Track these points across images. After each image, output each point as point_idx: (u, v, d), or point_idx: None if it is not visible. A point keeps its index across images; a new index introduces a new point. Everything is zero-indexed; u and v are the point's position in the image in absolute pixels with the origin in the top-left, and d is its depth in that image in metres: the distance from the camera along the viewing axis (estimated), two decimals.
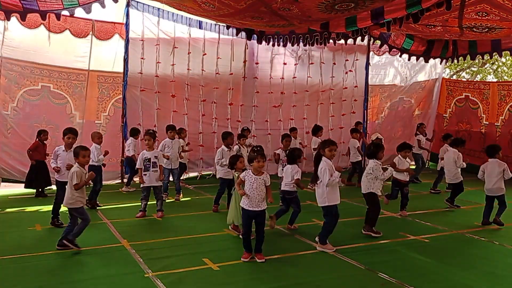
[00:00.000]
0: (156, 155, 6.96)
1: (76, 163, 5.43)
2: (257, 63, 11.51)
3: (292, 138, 8.98)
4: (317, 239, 5.60)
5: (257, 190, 4.94)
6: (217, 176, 7.52)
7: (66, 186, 5.48)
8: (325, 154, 5.44)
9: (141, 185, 7.07)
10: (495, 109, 12.20)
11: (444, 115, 13.69)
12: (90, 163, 7.46)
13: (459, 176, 7.85)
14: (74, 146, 6.35)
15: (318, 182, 5.43)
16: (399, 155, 7.29)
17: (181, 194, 8.53)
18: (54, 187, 8.60)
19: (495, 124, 12.14)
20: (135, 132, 9.15)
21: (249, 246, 5.07)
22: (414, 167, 11.24)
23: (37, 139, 8.34)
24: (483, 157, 11.79)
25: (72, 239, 5.30)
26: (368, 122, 13.03)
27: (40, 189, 8.47)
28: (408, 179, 7.31)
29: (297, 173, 6.24)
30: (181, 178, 9.33)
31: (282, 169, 7.70)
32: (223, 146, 7.55)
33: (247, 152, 7.37)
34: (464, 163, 7.89)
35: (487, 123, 12.39)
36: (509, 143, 11.70)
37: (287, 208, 6.42)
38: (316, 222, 6.73)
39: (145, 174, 6.93)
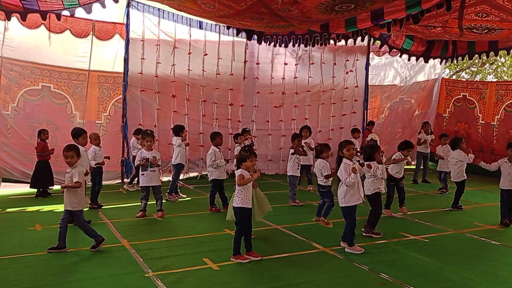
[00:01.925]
0: (154, 155, 6.97)
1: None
2: (258, 64, 11.52)
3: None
4: (342, 243, 5.59)
5: (251, 188, 5.06)
6: (210, 178, 7.41)
7: None
8: (344, 155, 5.51)
9: (140, 185, 7.08)
10: (491, 108, 12.21)
11: (443, 115, 13.71)
12: (93, 164, 7.47)
13: (462, 175, 7.81)
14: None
15: (340, 183, 5.54)
16: (401, 153, 7.36)
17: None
18: (54, 187, 8.67)
19: (491, 123, 12.16)
20: (138, 133, 9.13)
21: (240, 247, 5.07)
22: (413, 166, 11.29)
23: (39, 139, 8.37)
24: (482, 157, 11.89)
25: None
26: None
27: (41, 189, 8.48)
28: (402, 175, 7.36)
29: (324, 168, 6.54)
30: (180, 178, 9.37)
31: (298, 168, 7.94)
32: (213, 147, 7.39)
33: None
34: (471, 154, 7.75)
35: (483, 122, 12.41)
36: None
37: (324, 202, 6.73)
38: (315, 222, 6.75)
39: (143, 174, 6.95)
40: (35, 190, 8.48)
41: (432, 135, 11.10)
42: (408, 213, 7.42)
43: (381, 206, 6.19)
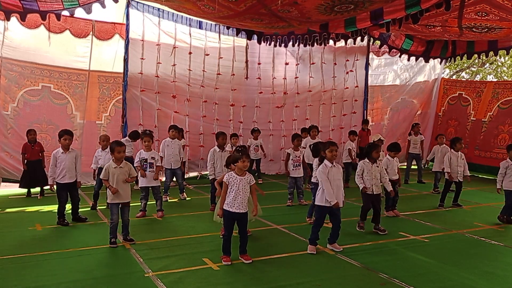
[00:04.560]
0: (153, 156, 6.96)
1: None
2: (259, 64, 11.52)
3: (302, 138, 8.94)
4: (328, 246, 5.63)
5: (243, 191, 4.93)
6: (210, 178, 7.35)
7: None
8: (326, 156, 5.49)
9: (140, 185, 7.06)
10: (485, 106, 12.26)
11: (439, 113, 13.74)
12: (98, 165, 7.45)
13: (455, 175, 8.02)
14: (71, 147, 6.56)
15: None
16: (387, 155, 7.42)
17: (185, 194, 8.61)
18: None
19: (482, 120, 12.21)
20: (135, 135, 9.09)
21: (230, 249, 5.04)
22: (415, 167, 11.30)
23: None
24: (466, 153, 11.93)
25: None
26: (373, 123, 13.06)
27: (30, 189, 8.53)
28: (398, 178, 7.40)
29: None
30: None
31: (293, 169, 7.83)
32: (214, 148, 7.31)
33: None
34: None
35: (474, 119, 12.45)
36: (494, 139, 11.75)
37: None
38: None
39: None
40: (26, 190, 8.53)
41: (422, 136, 11.10)
42: (407, 213, 7.43)
43: (365, 202, 6.28)
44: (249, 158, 5.06)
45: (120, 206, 5.56)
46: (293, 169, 7.89)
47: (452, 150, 8.07)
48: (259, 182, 10.32)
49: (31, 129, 8.49)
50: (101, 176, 5.53)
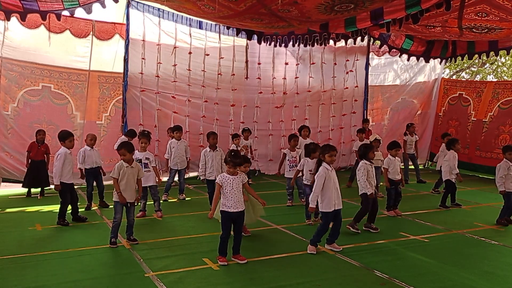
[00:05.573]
0: (147, 157, 6.97)
1: None
2: (259, 64, 11.52)
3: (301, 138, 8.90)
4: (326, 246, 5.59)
5: (236, 191, 4.97)
6: (201, 178, 7.36)
7: None
8: (325, 160, 5.41)
9: None
10: (486, 106, 12.26)
11: (439, 114, 13.74)
12: (86, 166, 7.43)
13: (446, 175, 8.00)
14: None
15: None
16: (389, 155, 7.40)
17: (184, 194, 8.59)
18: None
19: (483, 120, 12.20)
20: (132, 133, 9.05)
21: (226, 249, 5.04)
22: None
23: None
24: (467, 154, 11.99)
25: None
26: (373, 123, 13.06)
27: (30, 189, 8.53)
28: (400, 178, 7.37)
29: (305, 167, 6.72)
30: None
31: (290, 170, 7.79)
32: (206, 147, 7.34)
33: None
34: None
35: (475, 119, 12.45)
36: (495, 140, 11.74)
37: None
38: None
39: None
40: (26, 190, 8.53)
41: (416, 136, 11.11)
42: (407, 213, 7.43)
43: (367, 205, 6.24)
44: (235, 165, 5.01)
45: (126, 205, 5.56)
46: (290, 170, 7.84)
47: (452, 150, 8.08)
48: (249, 182, 10.15)
49: (40, 129, 8.52)
50: (112, 175, 5.49)
